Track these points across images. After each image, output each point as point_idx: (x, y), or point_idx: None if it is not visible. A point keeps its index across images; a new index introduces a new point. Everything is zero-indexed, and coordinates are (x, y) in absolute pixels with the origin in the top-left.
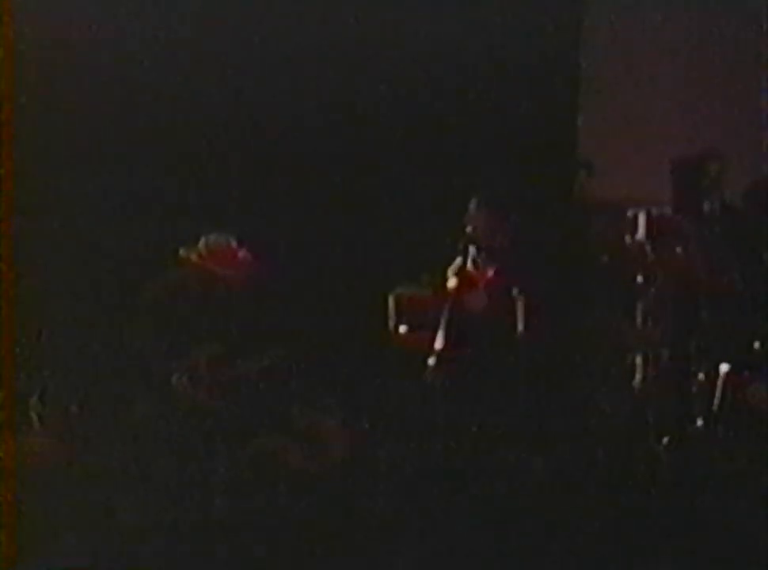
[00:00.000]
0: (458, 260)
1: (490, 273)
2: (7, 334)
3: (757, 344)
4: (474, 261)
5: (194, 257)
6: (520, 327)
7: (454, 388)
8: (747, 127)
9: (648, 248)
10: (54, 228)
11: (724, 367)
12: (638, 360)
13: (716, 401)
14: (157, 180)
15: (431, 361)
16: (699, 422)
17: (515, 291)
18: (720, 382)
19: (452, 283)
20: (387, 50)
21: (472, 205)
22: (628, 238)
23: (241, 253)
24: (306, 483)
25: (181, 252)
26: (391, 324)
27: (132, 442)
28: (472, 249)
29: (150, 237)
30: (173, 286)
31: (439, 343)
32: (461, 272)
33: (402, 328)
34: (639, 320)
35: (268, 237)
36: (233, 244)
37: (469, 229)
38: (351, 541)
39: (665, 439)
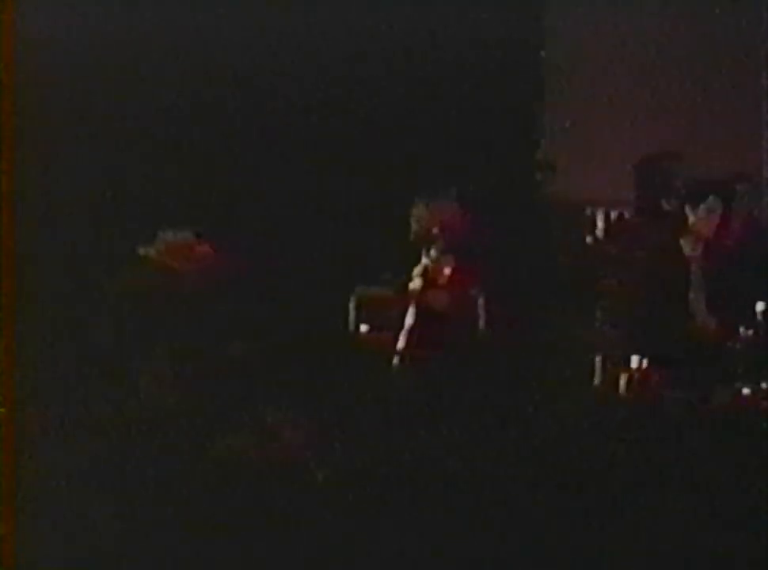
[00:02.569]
0: (423, 261)
1: (453, 273)
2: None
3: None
4: (437, 261)
5: (152, 254)
6: (482, 327)
7: (416, 387)
8: (706, 127)
9: (607, 248)
10: (14, 228)
11: None
12: (598, 360)
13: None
14: (114, 177)
15: (394, 361)
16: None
17: (476, 291)
18: None
19: (417, 283)
20: (349, 48)
21: (434, 205)
22: (588, 238)
23: (200, 248)
24: (270, 481)
25: (140, 250)
26: (352, 323)
27: (98, 441)
28: (434, 250)
29: (107, 236)
30: (133, 284)
31: (401, 343)
32: (425, 273)
33: (363, 328)
34: (598, 320)
35: (229, 232)
36: (191, 238)
37: (435, 230)
38: (316, 538)
39: (624, 439)
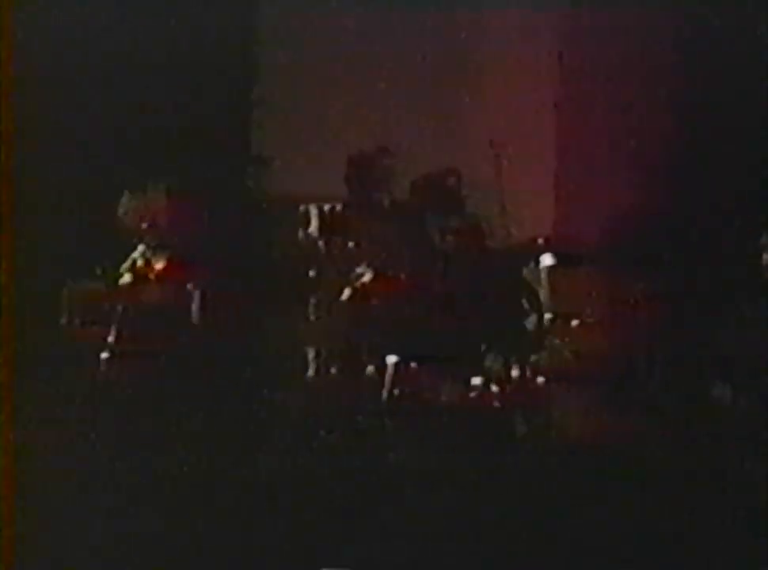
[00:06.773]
0: (133, 255)
1: (165, 268)
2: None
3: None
4: (147, 256)
5: None
6: (195, 321)
7: (128, 381)
8: (417, 123)
9: (320, 243)
10: None
11: (392, 359)
12: (311, 354)
13: (385, 393)
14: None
15: (104, 355)
16: (369, 413)
17: (191, 285)
18: (388, 374)
19: (126, 278)
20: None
21: (144, 198)
22: (301, 233)
23: None
24: None
25: None
26: (64, 318)
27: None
28: (144, 244)
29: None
30: None
31: (112, 338)
32: (135, 267)
33: (76, 322)
34: (312, 314)
35: None
36: None
37: (144, 224)
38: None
39: (335, 432)
